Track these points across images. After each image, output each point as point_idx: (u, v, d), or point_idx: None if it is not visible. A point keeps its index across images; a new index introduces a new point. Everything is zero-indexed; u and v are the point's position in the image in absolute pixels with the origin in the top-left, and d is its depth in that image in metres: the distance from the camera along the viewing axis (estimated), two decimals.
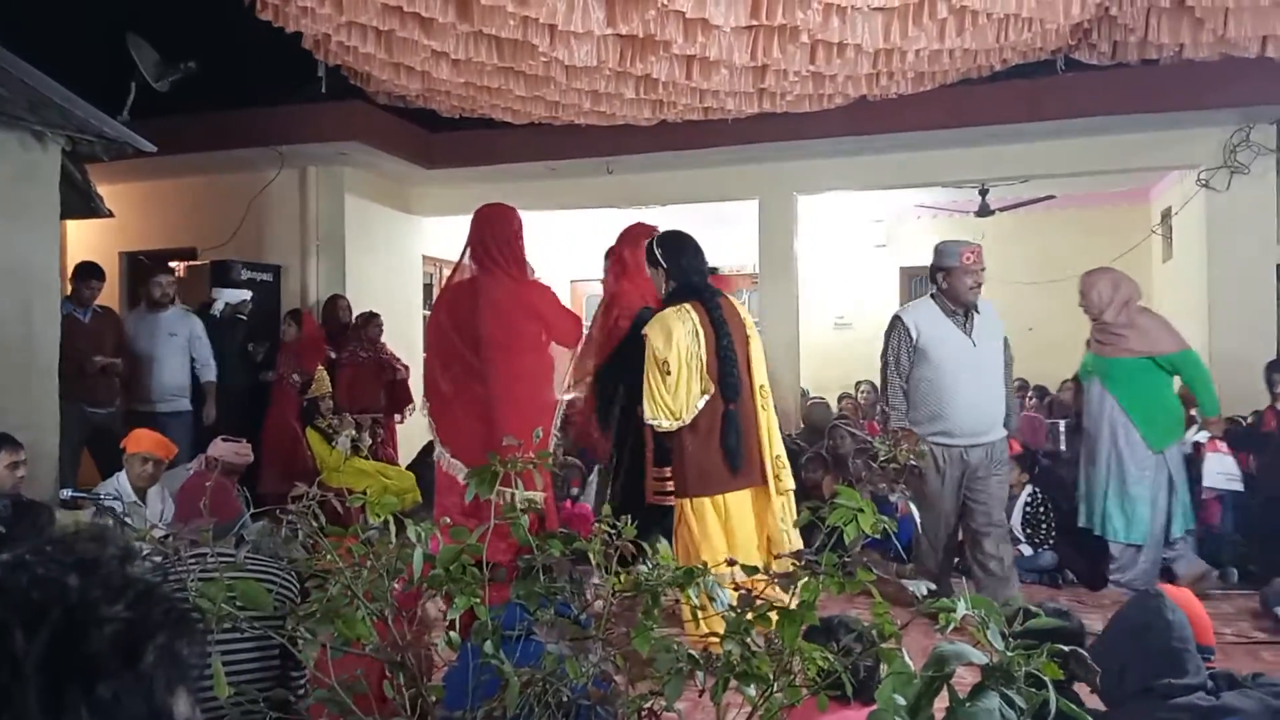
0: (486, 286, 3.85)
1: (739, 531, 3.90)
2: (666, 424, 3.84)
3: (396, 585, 1.78)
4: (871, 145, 7.98)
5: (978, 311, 4.84)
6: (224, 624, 1.61)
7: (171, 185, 8.71)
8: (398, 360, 8.02)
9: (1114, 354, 5.46)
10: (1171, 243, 9.06)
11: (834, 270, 11.10)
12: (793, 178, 8.60)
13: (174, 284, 7.03)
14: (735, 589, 1.82)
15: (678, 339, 3.82)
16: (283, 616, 1.74)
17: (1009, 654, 1.51)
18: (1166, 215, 9.05)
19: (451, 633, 1.79)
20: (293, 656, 1.82)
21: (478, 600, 1.68)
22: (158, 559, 2.04)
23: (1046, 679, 1.48)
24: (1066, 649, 1.59)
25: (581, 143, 7.99)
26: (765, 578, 1.77)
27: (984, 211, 9.00)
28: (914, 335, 4.79)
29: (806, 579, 1.72)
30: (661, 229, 4.57)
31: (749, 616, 1.64)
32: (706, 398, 3.87)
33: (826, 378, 10.37)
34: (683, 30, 5.33)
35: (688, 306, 3.92)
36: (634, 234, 4.86)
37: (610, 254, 4.90)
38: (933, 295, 4.91)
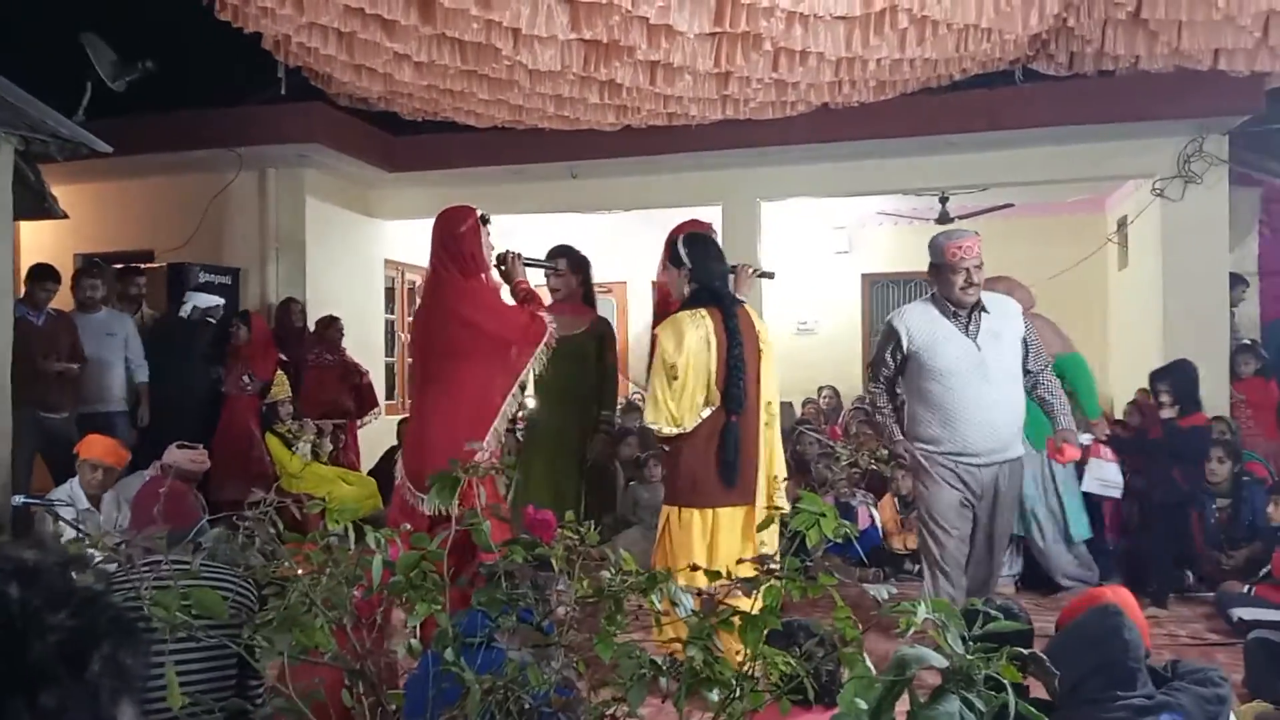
0: (428, 289, 3.90)
1: (723, 547, 3.77)
2: (667, 429, 3.75)
3: (356, 593, 1.76)
4: (834, 153, 8.04)
5: (985, 311, 4.18)
6: (178, 632, 1.58)
7: (128, 186, 8.58)
8: (358, 365, 7.95)
9: None
10: (1127, 251, 9.20)
11: (797, 276, 11.15)
12: (756, 184, 8.63)
13: (105, 286, 6.92)
14: (699, 594, 1.82)
15: (689, 344, 3.72)
16: (239, 625, 1.71)
17: (968, 657, 1.52)
18: (1122, 224, 9.19)
19: (413, 640, 1.77)
20: (251, 665, 1.79)
21: (439, 608, 1.66)
22: (111, 566, 2.00)
23: (1005, 681, 1.49)
24: (1026, 652, 1.61)
25: (545, 147, 7.98)
26: (728, 583, 1.77)
27: (944, 219, 9.08)
28: (905, 341, 4.20)
29: (769, 584, 1.72)
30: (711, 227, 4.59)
31: (712, 622, 1.64)
32: (711, 409, 3.76)
33: (790, 382, 10.37)
34: (646, 36, 5.34)
35: (703, 312, 3.81)
36: (681, 230, 4.83)
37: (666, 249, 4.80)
38: (931, 296, 4.30)
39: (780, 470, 4.00)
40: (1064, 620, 2.80)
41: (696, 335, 3.74)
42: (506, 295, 4.07)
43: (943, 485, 4.18)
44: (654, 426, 3.78)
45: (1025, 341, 4.31)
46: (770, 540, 3.55)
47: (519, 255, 4.15)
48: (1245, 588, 5.15)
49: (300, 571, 1.68)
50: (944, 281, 4.15)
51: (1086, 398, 5.57)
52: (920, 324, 4.21)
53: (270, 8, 5.12)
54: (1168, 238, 7.83)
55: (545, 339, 3.75)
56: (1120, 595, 2.87)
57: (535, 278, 4.97)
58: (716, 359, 3.75)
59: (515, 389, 3.73)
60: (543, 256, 4.99)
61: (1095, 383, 5.72)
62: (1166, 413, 5.87)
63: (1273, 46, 5.85)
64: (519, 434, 5.27)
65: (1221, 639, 4.82)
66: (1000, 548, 4.41)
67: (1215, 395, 7.46)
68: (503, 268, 4.04)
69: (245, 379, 7.07)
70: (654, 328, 4.56)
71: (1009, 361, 4.21)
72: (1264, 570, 5.16)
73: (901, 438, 4.32)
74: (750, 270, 4.57)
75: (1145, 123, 7.36)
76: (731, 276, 4.56)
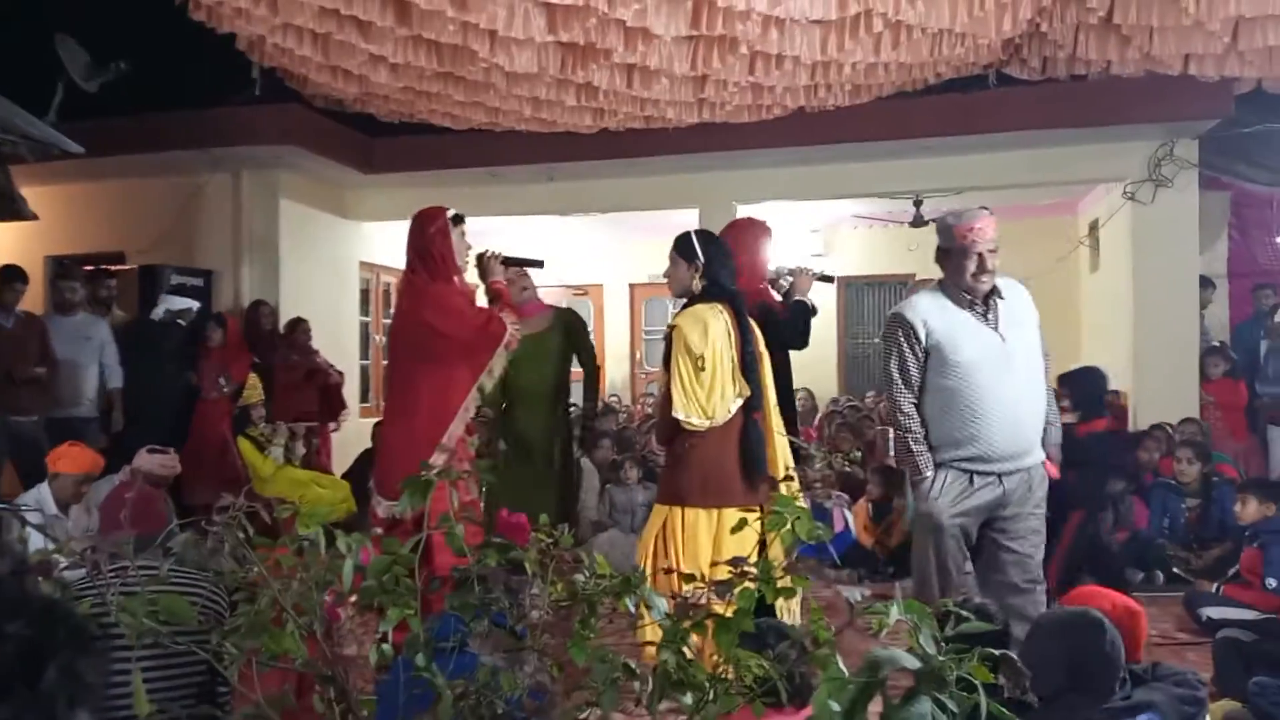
0: (400, 293, 3.91)
1: (730, 550, 3.41)
2: (698, 421, 3.63)
3: (328, 598, 1.75)
4: (809, 156, 8.07)
5: (1001, 297, 3.74)
6: (145, 639, 1.57)
7: (100, 188, 8.50)
8: (331, 366, 7.90)
9: None
10: (1099, 254, 9.30)
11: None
12: (732, 187, 8.65)
13: (85, 289, 6.85)
14: (673, 597, 1.82)
15: (714, 336, 3.65)
16: (208, 631, 1.69)
17: (941, 658, 1.52)
18: (1094, 227, 9.29)
19: (385, 645, 1.76)
20: (220, 672, 1.77)
21: (411, 612, 1.65)
22: (78, 573, 1.98)
23: (977, 683, 1.50)
24: (997, 653, 1.61)
25: (522, 149, 7.96)
26: (703, 585, 1.77)
27: (918, 222, 9.14)
28: (922, 334, 3.70)
29: (743, 586, 1.72)
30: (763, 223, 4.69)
31: (685, 625, 1.64)
32: (740, 401, 3.69)
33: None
34: (623, 39, 5.35)
35: (719, 306, 3.74)
36: (740, 226, 4.80)
37: None
38: (939, 282, 3.82)
39: (781, 472, 3.85)
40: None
41: (719, 327, 3.68)
42: (484, 297, 4.07)
43: (954, 512, 3.66)
44: (684, 419, 3.63)
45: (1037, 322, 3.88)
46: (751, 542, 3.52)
47: (497, 255, 4.14)
48: (1214, 587, 5.20)
49: (269, 576, 1.67)
50: (954, 267, 3.71)
51: None
52: (935, 314, 3.73)
53: (245, 9, 5.09)
54: (1139, 241, 7.92)
55: (505, 340, 3.73)
56: (1110, 597, 2.88)
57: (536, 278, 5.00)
58: (736, 353, 3.70)
59: (474, 391, 3.71)
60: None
61: None
62: (1067, 418, 5.88)
63: (1241, 52, 5.93)
64: (491, 439, 5.25)
65: (1191, 638, 4.87)
66: (1036, 576, 3.78)
67: (1185, 397, 7.55)
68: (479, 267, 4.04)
69: (221, 381, 7.02)
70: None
71: (1032, 351, 3.78)
72: (1232, 570, 5.22)
73: (929, 462, 3.71)
74: (809, 273, 4.58)
75: (1117, 127, 7.44)
76: (790, 279, 4.58)
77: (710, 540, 3.68)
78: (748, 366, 3.69)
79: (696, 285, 3.80)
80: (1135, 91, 6.91)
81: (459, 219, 3.92)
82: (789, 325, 4.52)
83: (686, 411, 3.62)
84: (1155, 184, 7.75)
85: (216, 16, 5.40)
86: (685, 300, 3.86)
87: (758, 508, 3.57)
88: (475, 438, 4.07)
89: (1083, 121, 7.37)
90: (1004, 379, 3.66)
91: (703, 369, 3.61)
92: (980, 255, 3.66)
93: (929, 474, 3.70)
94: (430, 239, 3.80)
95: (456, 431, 3.66)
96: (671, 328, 3.73)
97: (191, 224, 8.31)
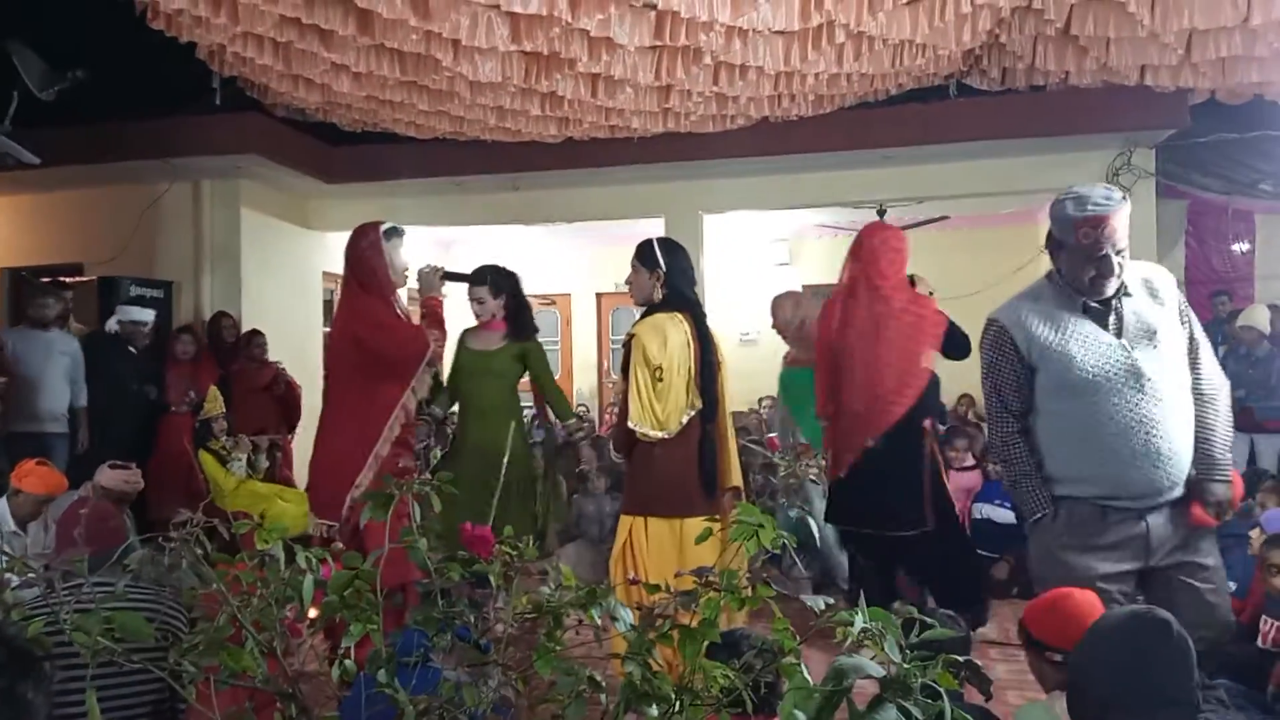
0: (336, 307, 3.92)
1: (693, 559, 3.64)
2: (652, 432, 3.64)
3: (288, 614, 1.72)
4: (774, 166, 8.11)
5: (1127, 294, 2.99)
6: (101, 658, 1.53)
7: (57, 198, 8.38)
8: (287, 375, 7.81)
9: (787, 366, 5.84)
10: None
11: (739, 288, 11.24)
12: (698, 197, 8.68)
13: (59, 305, 6.75)
14: (638, 608, 1.81)
15: (673, 346, 3.65)
16: (166, 648, 1.66)
17: (905, 666, 1.53)
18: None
19: (347, 661, 1.73)
20: (178, 690, 1.73)
21: (374, 627, 1.63)
22: (33, 591, 1.94)
23: (942, 690, 1.50)
24: (961, 659, 1.62)
25: (487, 159, 7.95)
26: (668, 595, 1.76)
27: None
28: (1022, 347, 3.04)
29: (708, 596, 1.72)
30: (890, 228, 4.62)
31: (650, 636, 1.63)
32: (692, 412, 3.69)
33: (733, 392, 10.44)
34: (587, 49, 5.35)
35: (680, 315, 3.74)
36: (873, 230, 4.69)
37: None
38: (1049, 276, 3.10)
39: (738, 481, 3.94)
40: (1040, 616, 2.73)
41: (678, 338, 3.67)
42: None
43: (1084, 560, 2.92)
44: (638, 429, 3.63)
45: (1186, 323, 3.05)
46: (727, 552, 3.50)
47: (437, 269, 4.11)
48: None
49: (226, 592, 1.64)
50: (1069, 266, 2.98)
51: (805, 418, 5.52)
52: (1039, 320, 3.04)
53: (204, 17, 5.03)
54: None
55: (427, 357, 3.72)
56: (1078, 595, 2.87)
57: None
58: (694, 364, 3.69)
59: (398, 410, 3.69)
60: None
61: None
62: None
63: (1195, 64, 6.04)
64: (436, 452, 5.19)
65: None
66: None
67: None
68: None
69: (190, 395, 6.94)
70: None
71: (1172, 363, 2.98)
72: None
73: (1044, 499, 3.04)
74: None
75: (1075, 136, 7.54)
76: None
77: (675, 550, 3.67)
78: (705, 378, 3.68)
79: (657, 294, 3.78)
80: (1093, 102, 7.01)
81: (395, 232, 3.89)
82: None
83: (641, 421, 3.62)
84: None
85: (176, 25, 5.34)
86: (645, 309, 3.85)
87: (719, 517, 3.59)
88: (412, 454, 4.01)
89: (1042, 131, 7.47)
90: (1133, 399, 2.89)
91: (660, 379, 3.60)
92: (1104, 259, 2.89)
93: (1043, 512, 3.02)
94: (362, 252, 3.80)
95: (384, 449, 3.64)
96: (630, 336, 3.71)
97: (151, 235, 8.20)
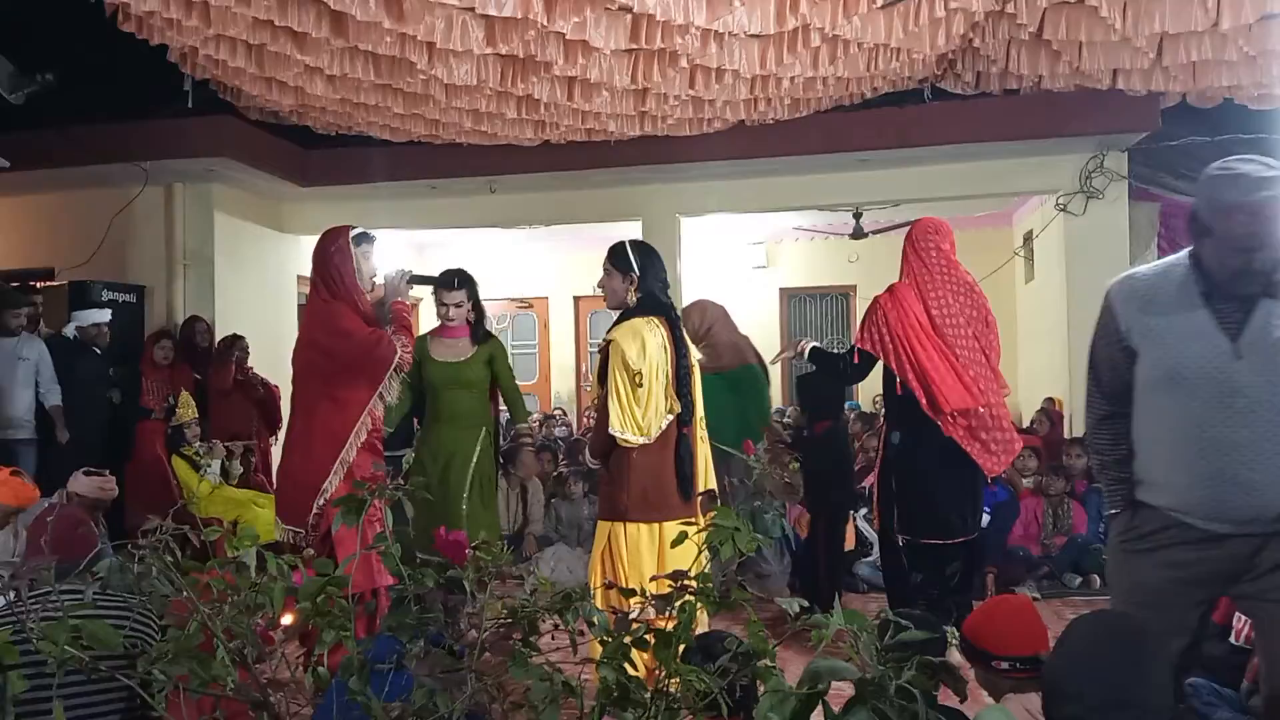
0: (303, 314, 3.90)
1: (672, 563, 3.66)
2: (633, 438, 3.61)
3: (260, 621, 1.70)
4: (750, 169, 8.13)
5: (1273, 297, 2.45)
6: (68, 666, 1.51)
7: (27, 202, 8.29)
8: (263, 380, 7.75)
9: (701, 371, 5.86)
10: (1033, 264, 9.49)
11: (716, 291, 11.24)
12: (675, 200, 8.69)
13: (30, 313, 6.67)
14: (614, 613, 1.80)
15: (650, 350, 3.62)
16: (134, 657, 1.64)
17: (880, 668, 1.53)
18: (1028, 238, 9.48)
19: (320, 668, 1.72)
20: (148, 700, 1.71)
21: (347, 634, 1.62)
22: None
23: (917, 692, 1.50)
24: (936, 660, 1.62)
25: (463, 161, 7.92)
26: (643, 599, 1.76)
27: (858, 234, 9.26)
28: (1122, 324, 2.62)
29: (684, 600, 1.71)
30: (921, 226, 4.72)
31: (626, 640, 1.62)
32: (670, 417, 3.68)
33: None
34: (563, 52, 5.34)
35: (656, 320, 3.72)
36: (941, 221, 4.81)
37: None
38: (1190, 255, 2.59)
39: (712, 484, 3.92)
40: (977, 627, 2.78)
41: (655, 342, 3.66)
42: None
43: (1150, 568, 2.58)
44: (620, 435, 3.61)
45: None
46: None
47: (406, 273, 4.05)
48: None
49: (195, 599, 1.62)
50: (1210, 252, 2.51)
51: (753, 405, 5.65)
52: (1148, 302, 2.60)
53: (176, 19, 4.99)
54: (1071, 251, 8.10)
55: (394, 363, 3.68)
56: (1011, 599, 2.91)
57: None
58: (670, 368, 3.69)
59: (365, 416, 3.66)
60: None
61: (765, 390, 5.87)
62: (802, 422, 6.10)
63: (1166, 67, 6.10)
64: (405, 460, 5.14)
65: None
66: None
67: None
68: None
69: (170, 400, 6.88)
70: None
71: None
72: None
73: (1120, 497, 2.70)
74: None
75: (1048, 140, 7.60)
76: None
77: (654, 555, 3.67)
78: (682, 382, 3.69)
79: (631, 298, 3.77)
80: (1066, 105, 7.07)
81: (364, 238, 3.85)
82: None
83: (622, 427, 3.60)
84: (1086, 196, 7.94)
85: (147, 28, 5.29)
86: (620, 313, 3.84)
87: (695, 521, 3.61)
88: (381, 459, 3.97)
89: (1015, 135, 7.53)
90: (1217, 416, 2.46)
91: (639, 385, 3.59)
92: (1256, 253, 2.40)
93: (1115, 509, 2.73)
94: (330, 257, 3.77)
95: (350, 455, 3.60)
96: (608, 341, 3.70)
97: (123, 239, 8.12)
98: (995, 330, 4.69)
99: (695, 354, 4.00)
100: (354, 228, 3.86)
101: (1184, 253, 2.62)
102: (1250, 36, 5.47)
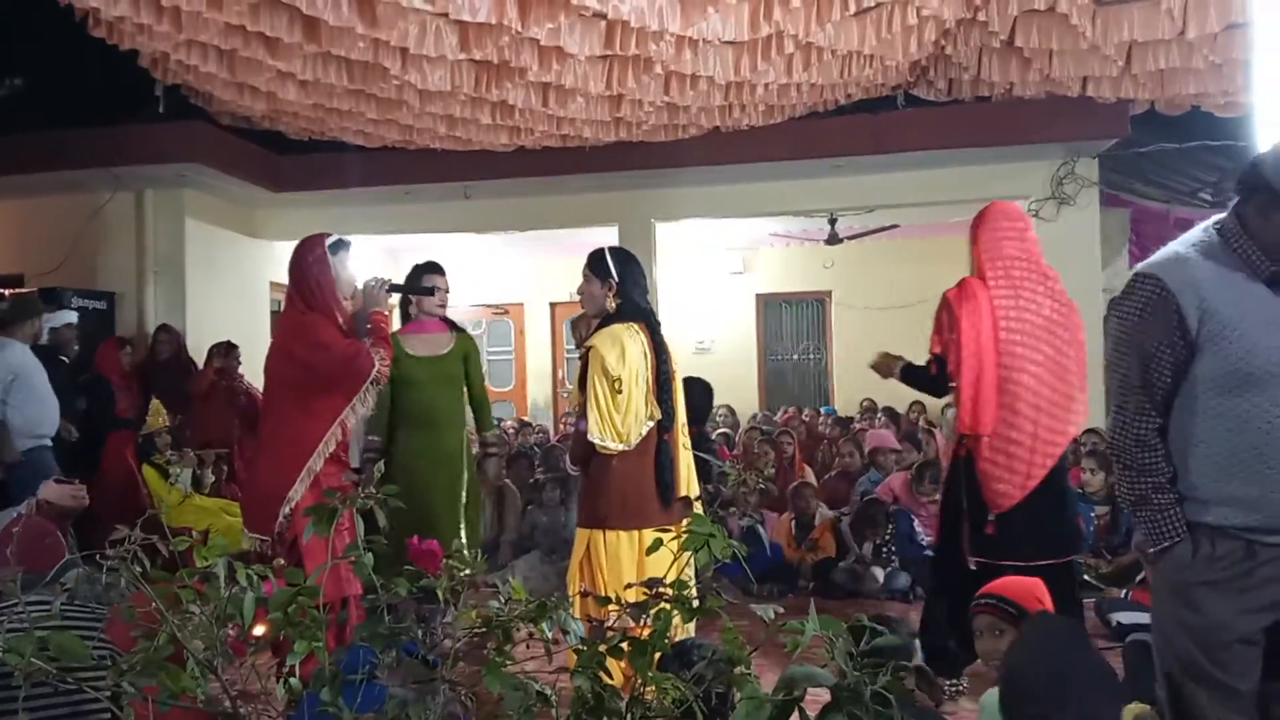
0: (276, 322, 3.86)
1: (652, 570, 3.54)
2: (613, 445, 3.58)
3: (230, 632, 1.68)
4: (725, 175, 8.16)
5: None
6: (34, 679, 1.49)
7: None
8: (254, 389, 7.69)
9: None
10: None
11: (693, 297, 11.28)
12: (651, 205, 8.70)
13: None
14: (589, 620, 1.79)
15: (630, 357, 3.60)
16: (103, 669, 1.61)
17: (856, 674, 1.53)
18: None
19: (292, 679, 1.70)
20: (116, 713, 1.69)
21: (319, 644, 1.60)
22: None
23: (892, 698, 1.51)
24: (912, 665, 1.63)
25: (437, 167, 7.90)
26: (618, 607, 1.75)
27: (833, 240, 9.30)
28: (1191, 318, 2.25)
29: (659, 608, 1.71)
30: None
31: (602, 649, 1.61)
32: (651, 424, 3.66)
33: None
34: (538, 58, 5.34)
35: (635, 326, 3.70)
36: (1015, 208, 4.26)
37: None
38: (1219, 231, 2.33)
39: (695, 490, 3.89)
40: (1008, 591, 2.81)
41: (636, 349, 3.64)
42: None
43: (1221, 593, 2.25)
44: (599, 442, 3.59)
45: None
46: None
47: (384, 282, 3.99)
48: (1124, 593, 5.35)
49: (164, 610, 1.60)
50: (1256, 216, 2.25)
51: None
52: (1216, 289, 2.26)
53: (147, 24, 4.94)
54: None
55: (372, 376, 3.63)
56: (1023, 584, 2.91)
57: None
58: (651, 374, 3.67)
59: (335, 427, 3.60)
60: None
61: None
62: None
63: (1135, 75, 6.17)
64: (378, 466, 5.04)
65: (1102, 643, 5.00)
66: None
67: (1092, 407, 7.78)
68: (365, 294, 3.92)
69: (136, 410, 6.81)
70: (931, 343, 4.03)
71: None
72: (1140, 575, 5.38)
73: (1177, 525, 2.31)
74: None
75: (1020, 146, 7.67)
76: None
77: (634, 562, 3.66)
78: (663, 388, 3.68)
79: (610, 304, 3.76)
80: (1037, 112, 7.14)
81: (341, 245, 3.79)
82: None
83: (602, 434, 3.59)
84: (1058, 201, 8.01)
85: (117, 33, 5.25)
86: (600, 320, 3.83)
87: (673, 528, 3.58)
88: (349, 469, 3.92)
89: (987, 141, 7.59)
90: None
91: (619, 391, 3.57)
92: None
93: (1174, 540, 2.31)
94: (308, 267, 3.70)
95: (315, 465, 3.55)
96: (588, 348, 3.69)
97: (93, 245, 8.04)
98: (1081, 346, 4.03)
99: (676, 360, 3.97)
100: (329, 235, 3.80)
101: (1207, 228, 2.34)
102: (1216, 45, 5.55)
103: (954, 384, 3.89)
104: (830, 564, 6.15)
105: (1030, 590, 2.82)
